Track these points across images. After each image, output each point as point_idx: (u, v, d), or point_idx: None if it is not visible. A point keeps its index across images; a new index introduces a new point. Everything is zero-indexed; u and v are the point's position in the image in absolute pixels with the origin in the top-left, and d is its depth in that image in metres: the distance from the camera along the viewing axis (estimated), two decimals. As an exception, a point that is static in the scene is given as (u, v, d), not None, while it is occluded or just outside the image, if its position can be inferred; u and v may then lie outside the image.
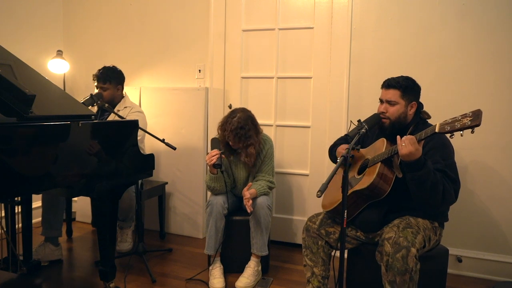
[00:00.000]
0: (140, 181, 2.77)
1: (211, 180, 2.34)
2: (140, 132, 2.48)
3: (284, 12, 2.88)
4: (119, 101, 2.77)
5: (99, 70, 2.73)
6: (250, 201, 2.25)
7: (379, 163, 1.74)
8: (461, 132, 1.46)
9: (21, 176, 1.59)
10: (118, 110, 2.71)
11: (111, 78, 2.71)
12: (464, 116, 1.46)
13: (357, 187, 1.79)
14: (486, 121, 2.37)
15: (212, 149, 2.28)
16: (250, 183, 2.36)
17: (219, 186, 2.35)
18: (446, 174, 1.69)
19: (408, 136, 1.60)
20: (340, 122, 2.73)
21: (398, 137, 1.65)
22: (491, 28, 2.36)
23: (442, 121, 1.53)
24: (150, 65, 3.29)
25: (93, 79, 2.72)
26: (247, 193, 2.28)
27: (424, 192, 1.65)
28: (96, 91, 2.72)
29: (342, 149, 2.01)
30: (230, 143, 2.35)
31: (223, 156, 2.29)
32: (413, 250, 1.59)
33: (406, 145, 1.58)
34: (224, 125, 2.34)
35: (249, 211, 2.24)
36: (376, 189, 1.74)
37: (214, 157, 2.21)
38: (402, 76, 1.89)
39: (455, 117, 1.49)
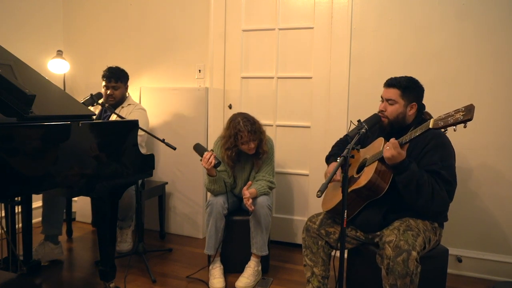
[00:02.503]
0: (141, 181, 2.78)
1: (210, 183, 2.34)
2: (142, 131, 2.50)
3: (284, 12, 2.88)
4: (125, 100, 2.82)
5: (108, 70, 2.75)
6: (250, 200, 2.24)
7: (377, 161, 1.75)
8: (454, 127, 1.47)
9: (21, 176, 1.59)
10: (122, 107, 2.75)
11: (121, 77, 2.78)
12: (457, 111, 1.48)
13: (355, 185, 1.80)
14: (485, 121, 2.38)
15: (201, 154, 2.25)
16: (250, 182, 2.36)
17: (218, 187, 2.35)
18: (439, 176, 1.71)
19: (392, 140, 1.65)
20: (340, 122, 2.73)
21: (382, 140, 1.73)
22: (491, 28, 2.36)
23: (436, 117, 1.54)
24: (150, 65, 3.29)
25: (103, 79, 2.73)
26: (246, 192, 2.27)
27: (410, 193, 1.69)
28: (102, 89, 2.74)
29: (332, 167, 2.03)
30: (252, 146, 2.32)
31: (214, 154, 2.27)
32: (414, 253, 1.59)
33: (390, 148, 1.64)
34: (232, 129, 2.31)
35: (250, 210, 2.24)
36: (374, 187, 1.74)
37: (211, 158, 2.20)
38: (405, 76, 1.89)
39: (449, 113, 1.51)
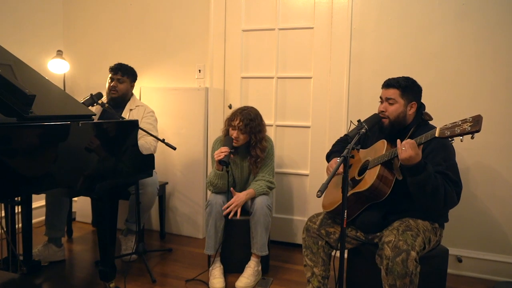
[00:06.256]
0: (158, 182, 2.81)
1: (215, 177, 2.34)
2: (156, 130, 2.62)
3: (284, 12, 2.88)
4: (129, 98, 2.78)
5: (116, 64, 2.74)
6: (232, 212, 2.31)
7: (379, 165, 1.74)
8: (461, 137, 1.45)
9: (21, 176, 1.59)
10: (131, 109, 2.72)
11: (128, 72, 2.75)
12: (464, 121, 1.46)
13: (357, 188, 1.79)
14: (485, 121, 2.33)
15: (224, 146, 2.30)
16: (244, 192, 2.38)
17: (221, 184, 2.35)
18: (448, 177, 1.69)
19: (409, 140, 1.61)
20: (340, 122, 2.73)
21: (398, 140, 1.65)
22: (491, 28, 2.36)
23: (442, 126, 1.53)
24: (150, 65, 3.29)
25: (110, 71, 2.72)
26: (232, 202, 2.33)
27: (424, 195, 1.65)
28: (107, 83, 2.73)
29: (334, 163, 2.00)
30: (234, 135, 2.34)
31: (231, 155, 2.30)
32: (413, 253, 1.59)
33: (406, 149, 1.59)
34: (233, 116, 2.36)
35: (231, 216, 2.31)
36: (376, 191, 1.74)
37: (223, 153, 2.23)
38: (402, 76, 1.90)
39: (455, 122, 1.49)
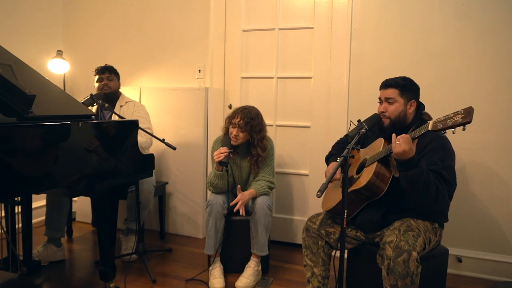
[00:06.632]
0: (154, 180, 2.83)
1: (215, 177, 2.34)
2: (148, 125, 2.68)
3: (284, 12, 2.88)
4: (119, 96, 2.84)
5: (99, 67, 2.79)
6: (243, 207, 2.28)
7: (376, 162, 1.75)
8: (453, 129, 1.47)
9: (21, 176, 1.59)
10: (121, 106, 2.77)
11: (114, 71, 2.83)
12: (456, 113, 1.48)
13: (355, 186, 1.80)
14: (485, 121, 2.38)
15: (223, 146, 2.30)
16: (239, 186, 2.37)
17: (221, 184, 2.35)
18: (441, 176, 1.70)
19: (404, 134, 1.62)
20: (340, 122, 2.73)
21: (393, 135, 1.65)
22: (491, 28, 2.36)
23: (435, 119, 1.55)
24: (150, 65, 3.29)
25: (97, 73, 2.77)
26: (240, 200, 2.30)
27: (416, 191, 1.66)
28: (96, 85, 2.74)
29: (331, 168, 2.01)
30: (234, 133, 2.33)
31: (231, 155, 2.31)
32: (414, 253, 1.59)
33: (401, 143, 1.59)
34: (234, 113, 2.36)
35: (242, 214, 2.28)
36: (373, 188, 1.74)
37: (223, 154, 2.24)
38: (399, 76, 1.91)
39: (448, 115, 1.51)
